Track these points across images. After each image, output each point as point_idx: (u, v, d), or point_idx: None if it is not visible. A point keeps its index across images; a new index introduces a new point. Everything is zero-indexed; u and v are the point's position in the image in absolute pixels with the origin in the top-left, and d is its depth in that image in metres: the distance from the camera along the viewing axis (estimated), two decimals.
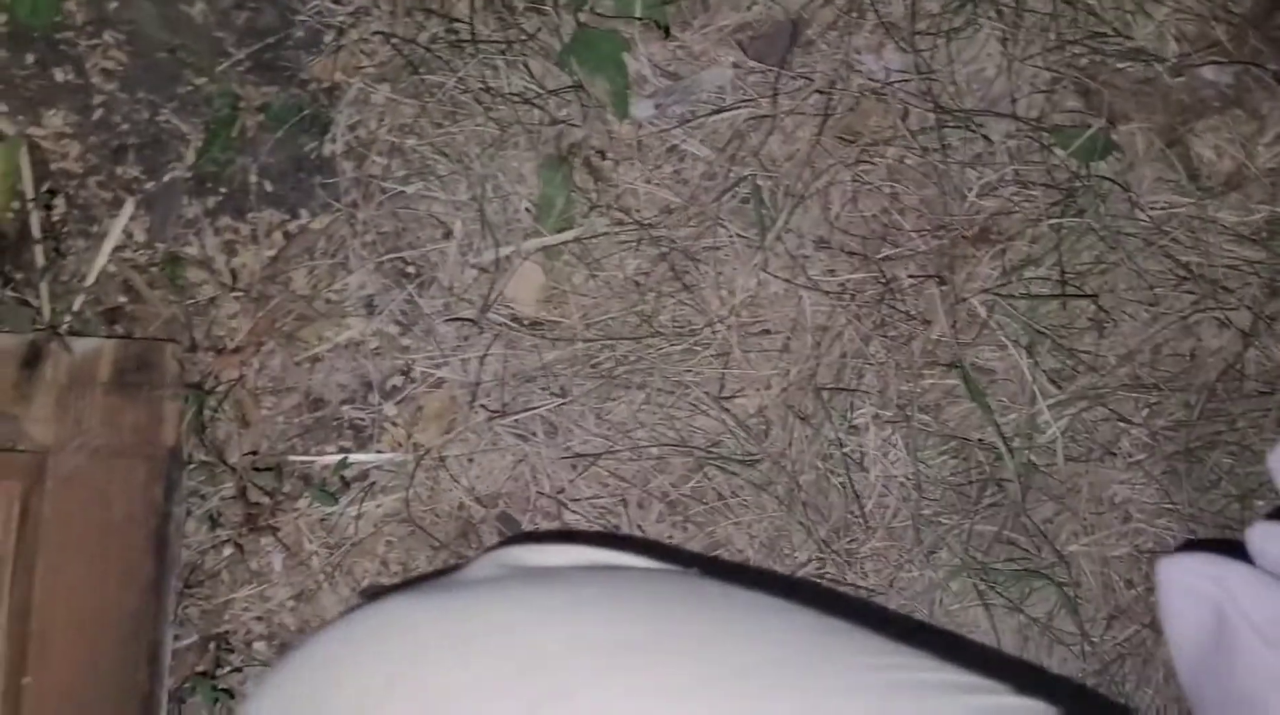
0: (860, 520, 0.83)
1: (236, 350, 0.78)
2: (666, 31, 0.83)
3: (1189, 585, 0.46)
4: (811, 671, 0.35)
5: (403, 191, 0.82)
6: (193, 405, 0.76)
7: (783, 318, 0.84)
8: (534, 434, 0.81)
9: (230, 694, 0.75)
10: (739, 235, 0.84)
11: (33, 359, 0.73)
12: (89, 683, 0.70)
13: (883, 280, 0.84)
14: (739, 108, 0.85)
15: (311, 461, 0.79)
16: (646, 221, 0.83)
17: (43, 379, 0.73)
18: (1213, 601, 0.45)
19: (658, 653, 0.37)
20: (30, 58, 0.79)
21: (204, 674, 0.74)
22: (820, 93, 0.85)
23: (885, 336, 0.84)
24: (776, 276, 0.84)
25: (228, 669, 0.75)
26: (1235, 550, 0.47)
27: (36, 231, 0.77)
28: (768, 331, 0.84)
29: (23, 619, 0.69)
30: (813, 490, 0.83)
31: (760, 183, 0.84)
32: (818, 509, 0.83)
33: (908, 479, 0.84)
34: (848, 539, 0.83)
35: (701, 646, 0.37)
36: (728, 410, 0.83)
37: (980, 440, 0.84)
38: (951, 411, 0.85)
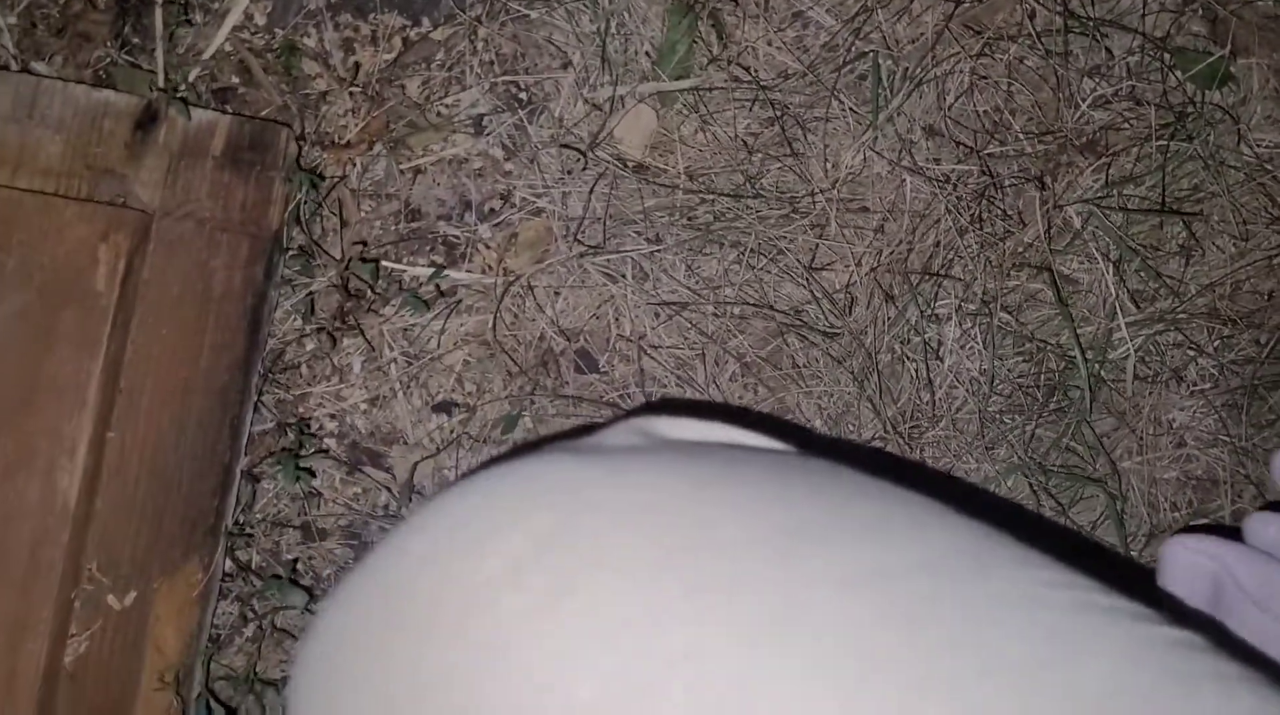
0: (928, 407, 0.84)
1: (346, 146, 0.78)
2: None
3: (1189, 561, 0.50)
4: (989, 574, 0.34)
5: (527, 15, 0.81)
6: (301, 193, 0.75)
7: (882, 198, 0.84)
8: (623, 276, 0.82)
9: (312, 473, 0.76)
10: (852, 110, 0.84)
11: (147, 121, 0.72)
12: (171, 446, 0.71)
13: (986, 176, 0.84)
14: None
15: (404, 270, 0.79)
16: (763, 83, 0.83)
17: (155, 143, 0.72)
18: (1210, 574, 0.49)
19: (832, 542, 0.34)
20: None
21: (287, 450, 0.75)
22: None
23: (980, 231, 0.84)
24: (883, 156, 0.84)
25: (309, 451, 0.76)
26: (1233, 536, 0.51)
27: None
28: (866, 209, 0.84)
29: (115, 374, 0.69)
30: (886, 371, 0.84)
31: (880, 61, 0.84)
32: (889, 390, 0.84)
33: (980, 373, 0.85)
34: (913, 424, 0.85)
35: (877, 536, 0.34)
36: (816, 281, 0.83)
37: (1056, 345, 0.85)
38: (1032, 315, 0.86)
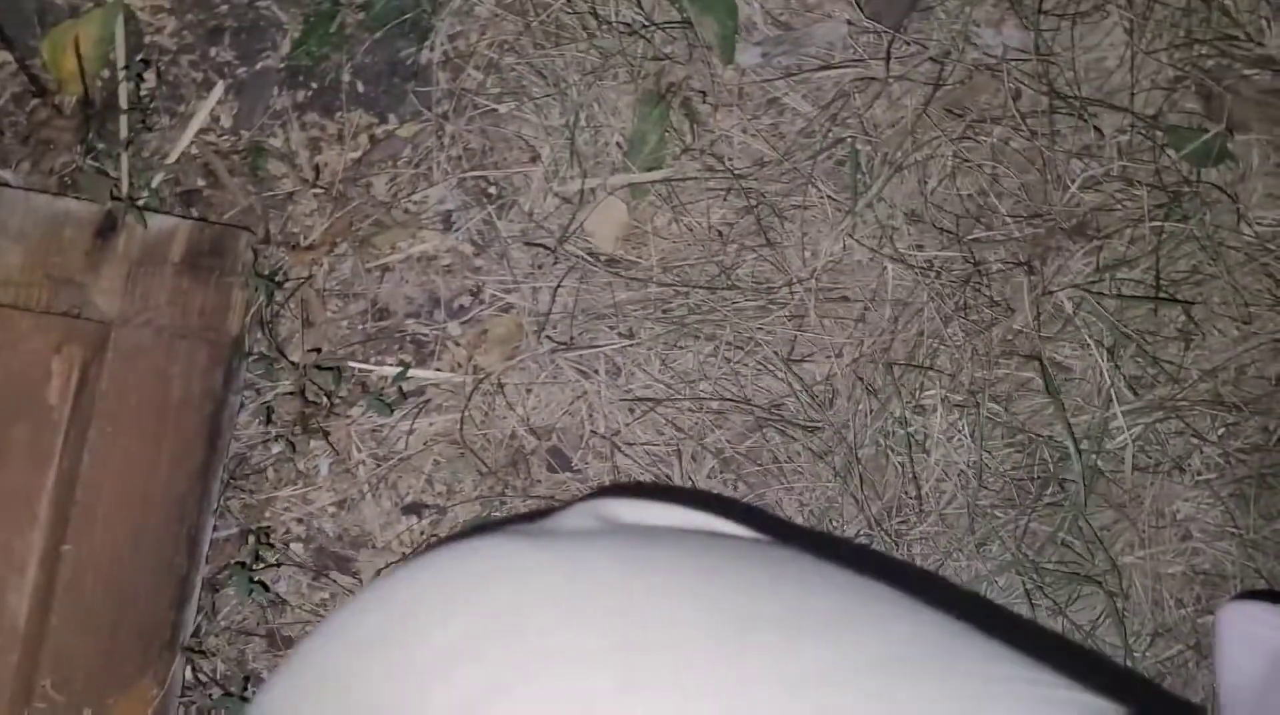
0: (915, 502, 0.81)
1: (310, 248, 0.77)
2: None
3: (1250, 631, 0.46)
4: (946, 672, 0.33)
5: (495, 109, 0.80)
6: (261, 297, 0.75)
7: (863, 287, 0.82)
8: (596, 372, 0.80)
9: (265, 587, 0.74)
10: (830, 197, 0.81)
11: (107, 229, 0.72)
12: (128, 558, 0.69)
13: (971, 262, 0.82)
14: (847, 66, 0.82)
15: (370, 370, 0.78)
16: (738, 171, 0.81)
17: (115, 251, 0.72)
18: (1272, 647, 0.45)
19: (785, 639, 0.33)
20: None
21: (242, 565, 0.73)
22: (933, 61, 0.82)
23: (966, 319, 0.82)
24: (863, 244, 0.82)
25: (263, 565, 0.75)
26: None
27: (124, 102, 0.76)
28: (846, 298, 0.82)
29: (69, 487, 0.69)
30: (870, 466, 0.81)
31: (859, 147, 0.82)
32: (873, 485, 0.81)
33: (969, 467, 0.81)
34: (899, 519, 0.81)
35: (832, 633, 0.33)
36: (795, 373, 0.81)
37: (1048, 437, 0.82)
38: (1023, 405, 0.83)
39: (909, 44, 0.82)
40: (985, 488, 0.81)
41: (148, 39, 0.77)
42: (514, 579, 0.35)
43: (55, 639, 0.68)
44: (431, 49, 0.80)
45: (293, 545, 0.77)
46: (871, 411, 0.81)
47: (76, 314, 0.70)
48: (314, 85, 0.79)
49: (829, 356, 0.81)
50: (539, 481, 0.79)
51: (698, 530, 0.44)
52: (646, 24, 0.80)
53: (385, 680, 0.34)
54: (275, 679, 0.40)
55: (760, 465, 0.81)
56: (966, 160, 0.82)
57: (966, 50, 0.83)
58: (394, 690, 0.33)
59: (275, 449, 0.77)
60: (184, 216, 0.74)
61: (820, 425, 0.80)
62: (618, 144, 0.80)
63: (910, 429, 0.81)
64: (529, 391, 0.80)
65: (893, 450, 0.81)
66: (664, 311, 0.80)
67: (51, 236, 0.71)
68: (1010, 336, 0.82)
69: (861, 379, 0.81)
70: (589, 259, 0.80)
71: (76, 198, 0.73)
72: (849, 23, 0.83)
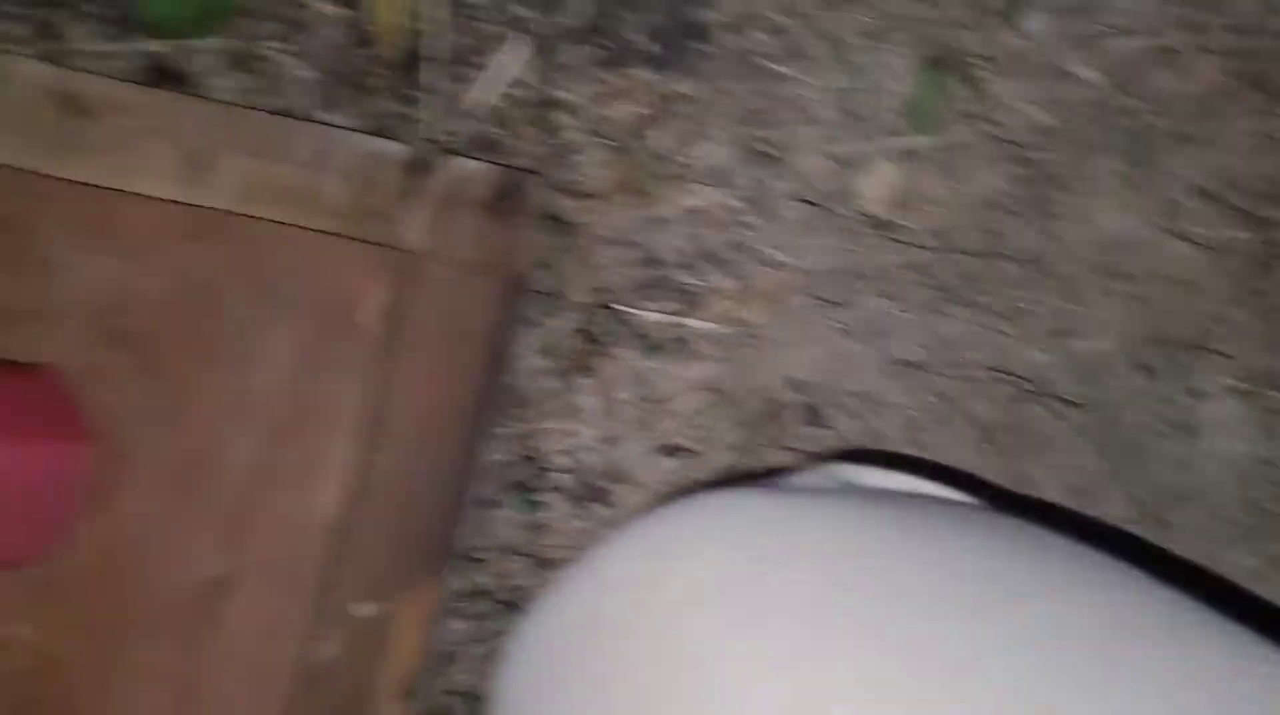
0: (1183, 489, 0.78)
1: (592, 195, 0.81)
2: None
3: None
4: (1185, 639, 0.32)
5: (775, 70, 0.82)
6: (551, 238, 0.79)
7: (1143, 264, 0.79)
8: (858, 332, 0.81)
9: (541, 505, 0.79)
10: (1114, 171, 0.79)
11: (418, 170, 0.78)
12: (418, 470, 0.76)
13: (1266, 244, 0.78)
14: (1142, 35, 0.79)
15: (639, 315, 0.82)
16: (1017, 140, 0.80)
17: (423, 190, 0.78)
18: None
19: (1023, 598, 0.33)
20: None
21: (520, 485, 0.79)
22: (1235, 32, 0.78)
23: (1258, 304, 0.78)
24: (1147, 219, 0.79)
25: (536, 489, 0.80)
26: None
27: (433, 53, 0.82)
28: (1125, 275, 0.79)
29: (372, 401, 0.75)
30: (1138, 449, 0.79)
31: (1150, 119, 0.79)
32: (1140, 468, 0.79)
33: (1248, 458, 0.78)
34: (1164, 506, 0.78)
35: (1068, 595, 0.33)
36: (1064, 347, 0.79)
37: None
38: None
39: (1210, 12, 0.79)
40: (1268, 481, 0.77)
41: None
42: (753, 528, 0.37)
43: (354, 537, 0.75)
44: (718, 10, 0.82)
45: (556, 475, 0.82)
46: (1145, 392, 0.78)
47: (388, 245, 0.76)
48: (604, 43, 0.83)
49: (1102, 333, 0.79)
50: (793, 435, 0.81)
51: (929, 496, 0.44)
52: None
53: (637, 611, 0.36)
54: (533, 613, 0.43)
55: (1019, 438, 0.80)
56: (1267, 136, 0.78)
57: (1269, 21, 0.78)
58: (645, 621, 0.36)
59: (546, 384, 0.82)
60: (483, 161, 0.80)
61: (1087, 402, 0.79)
62: (895, 108, 0.80)
63: (1183, 413, 0.78)
64: (789, 347, 0.81)
65: (1164, 434, 0.78)
66: (931, 277, 0.80)
67: (369, 174, 0.78)
68: None
69: (1135, 358, 0.78)
70: (859, 220, 0.80)
71: (390, 139, 0.79)
72: None
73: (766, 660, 0.33)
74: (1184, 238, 0.78)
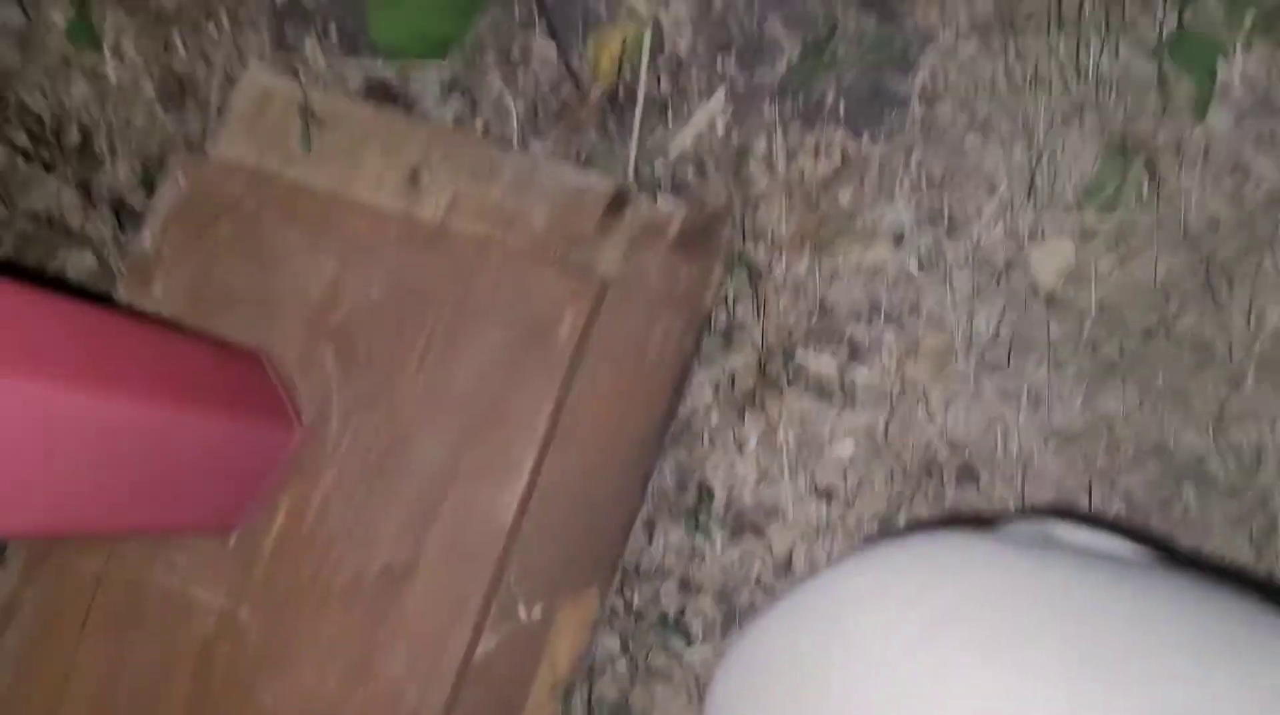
0: None
1: (778, 243, 0.86)
2: None
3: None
4: None
5: (962, 141, 0.86)
6: (733, 279, 0.84)
7: None
8: (1019, 398, 0.84)
9: (706, 532, 0.83)
10: None
11: (618, 203, 0.83)
12: (593, 483, 0.80)
13: None
14: None
15: (810, 361, 0.86)
16: (1192, 229, 0.83)
17: (621, 222, 0.83)
18: None
19: (1242, 659, 0.34)
20: None
21: (689, 509, 0.82)
22: None
23: None
24: None
25: (703, 515, 0.83)
26: None
27: (641, 97, 0.88)
28: None
29: (559, 412, 0.80)
30: None
31: None
32: None
33: None
34: None
35: None
36: (1223, 434, 0.81)
37: None
38: None
39: None
40: None
41: (668, 47, 0.89)
42: (979, 570, 0.39)
43: (526, 539, 0.79)
44: (912, 81, 0.87)
45: (714, 505, 0.86)
46: None
47: (585, 269, 0.81)
48: (800, 102, 0.88)
49: (1262, 424, 0.81)
50: (946, 492, 0.84)
51: (1144, 564, 0.47)
52: (1124, 78, 0.84)
53: (878, 633, 0.39)
54: (768, 611, 0.45)
55: (1171, 518, 0.82)
56: None
57: None
58: (881, 643, 0.38)
59: (715, 417, 0.86)
60: (678, 200, 0.85)
61: (1244, 490, 0.80)
62: (1075, 187, 0.84)
63: None
64: (950, 406, 0.84)
65: None
66: (1094, 352, 0.83)
67: (572, 202, 0.83)
68: None
69: None
70: (1029, 291, 0.84)
71: (594, 172, 0.85)
72: None
73: (984, 695, 0.35)
74: None
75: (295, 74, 0.89)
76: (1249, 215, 0.83)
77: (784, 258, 0.87)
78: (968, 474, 0.84)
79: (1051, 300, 0.84)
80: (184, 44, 0.94)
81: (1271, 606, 0.41)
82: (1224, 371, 0.82)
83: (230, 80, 0.92)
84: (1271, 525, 0.80)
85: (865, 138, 0.87)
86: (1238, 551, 0.80)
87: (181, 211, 0.83)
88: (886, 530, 0.83)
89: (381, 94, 0.91)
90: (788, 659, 0.43)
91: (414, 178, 0.85)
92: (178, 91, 0.94)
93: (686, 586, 0.85)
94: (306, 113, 0.85)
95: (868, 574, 0.43)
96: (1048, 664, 0.36)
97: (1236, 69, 0.84)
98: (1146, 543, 0.48)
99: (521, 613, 0.79)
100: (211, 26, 0.94)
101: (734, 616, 0.83)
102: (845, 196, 0.87)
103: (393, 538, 0.78)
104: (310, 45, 0.93)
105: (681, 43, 0.89)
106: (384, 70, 0.92)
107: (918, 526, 0.82)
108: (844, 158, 0.87)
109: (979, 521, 0.79)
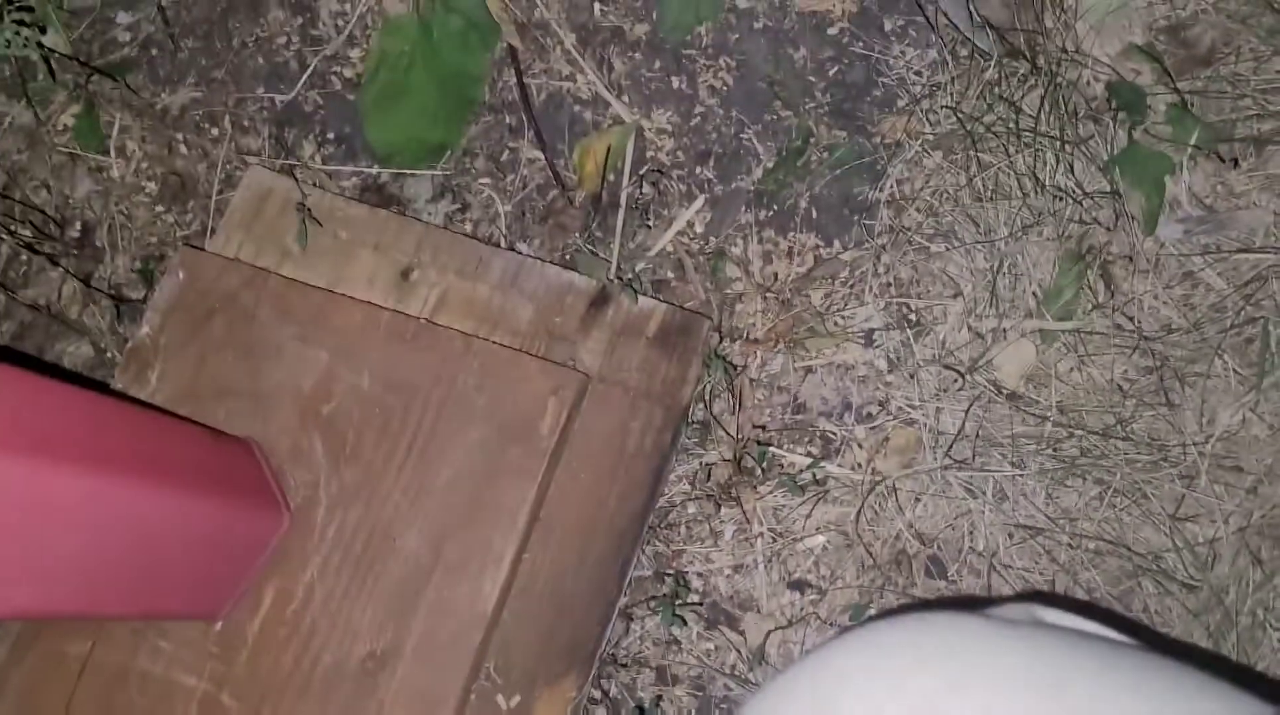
0: None
1: (754, 341, 0.90)
2: (1236, 163, 0.87)
3: None
4: None
5: (927, 247, 0.91)
6: (711, 376, 0.87)
7: (1259, 460, 0.85)
8: (984, 493, 0.87)
9: (685, 621, 0.85)
10: (1235, 371, 0.86)
11: (600, 301, 0.87)
12: (571, 574, 0.82)
13: None
14: (1268, 253, 0.87)
15: (784, 456, 0.89)
16: (1146, 333, 0.87)
17: (604, 319, 0.87)
18: None
19: None
20: (658, 63, 0.95)
21: (667, 598, 0.85)
22: None
23: None
24: (1263, 419, 0.85)
25: (680, 603, 0.85)
26: None
27: (624, 202, 0.92)
28: (1239, 469, 0.85)
29: (540, 504, 0.82)
30: (1245, 635, 0.83)
31: (1270, 328, 0.86)
32: (1246, 654, 0.83)
33: None
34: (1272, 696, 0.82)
35: None
36: (1179, 530, 0.85)
37: None
38: None
39: None
40: None
41: (650, 154, 0.94)
42: (967, 651, 0.42)
43: (505, 629, 0.81)
44: (881, 190, 0.92)
45: (690, 596, 0.88)
46: (1254, 582, 0.83)
47: (569, 365, 0.85)
48: (775, 207, 0.93)
49: (1215, 521, 0.85)
50: (915, 584, 0.87)
51: (1115, 641, 0.50)
52: (1078, 191, 0.89)
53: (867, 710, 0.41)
54: (770, 686, 0.48)
55: (1131, 611, 0.84)
56: None
57: None
58: None
59: (692, 509, 0.89)
60: (658, 300, 0.89)
61: (1199, 585, 0.84)
62: (1034, 293, 0.89)
63: None
64: (918, 500, 0.88)
65: (1272, 624, 0.83)
66: (1055, 450, 0.87)
67: (556, 300, 0.87)
68: None
69: (1248, 548, 0.83)
70: (992, 391, 0.88)
71: (577, 272, 0.89)
72: (1274, 213, 0.88)
73: None
74: None
75: (293, 174, 0.93)
76: (1199, 322, 0.87)
77: (759, 355, 0.90)
78: (937, 566, 0.87)
79: (1014, 399, 0.88)
80: (186, 144, 0.99)
81: (1245, 687, 0.44)
82: (1178, 470, 0.85)
83: (230, 180, 0.96)
84: (1227, 618, 0.83)
85: (837, 242, 0.92)
86: (1195, 644, 0.83)
87: (180, 303, 0.86)
88: (872, 614, 0.86)
89: (376, 194, 0.95)
90: None
91: (405, 275, 0.89)
92: (179, 189, 0.98)
93: (663, 676, 0.86)
94: (303, 211, 0.89)
95: (860, 654, 0.45)
96: None
97: (1184, 184, 0.89)
98: (1125, 629, 0.51)
99: (500, 702, 0.80)
100: (213, 129, 0.99)
101: (708, 709, 0.85)
102: (818, 297, 0.91)
103: (374, 627, 0.79)
104: (309, 148, 0.97)
105: (663, 150, 0.94)
106: (379, 173, 0.97)
107: (910, 607, 0.84)
108: (816, 260, 0.92)
109: (969, 602, 0.81)
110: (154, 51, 1.01)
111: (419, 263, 0.89)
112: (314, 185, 0.93)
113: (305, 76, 0.98)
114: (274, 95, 0.98)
